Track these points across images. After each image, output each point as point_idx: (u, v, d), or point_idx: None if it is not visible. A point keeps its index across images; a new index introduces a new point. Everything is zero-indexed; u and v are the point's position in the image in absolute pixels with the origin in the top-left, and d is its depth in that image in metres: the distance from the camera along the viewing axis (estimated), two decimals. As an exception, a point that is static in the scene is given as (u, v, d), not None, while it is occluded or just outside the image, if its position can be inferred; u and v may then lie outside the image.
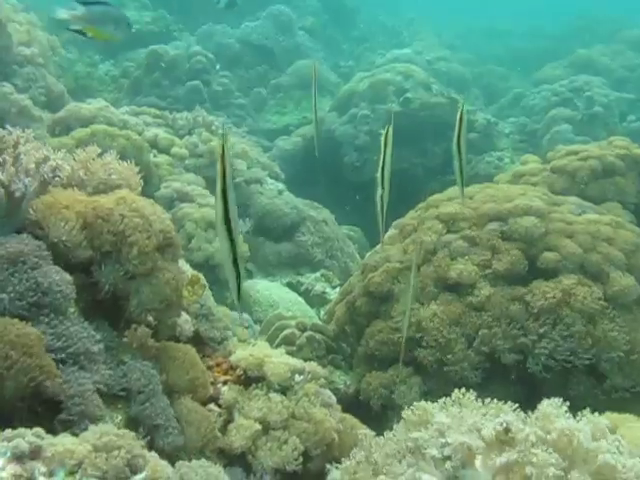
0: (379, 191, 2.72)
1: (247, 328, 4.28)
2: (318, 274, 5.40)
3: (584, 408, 3.19)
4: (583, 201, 3.84)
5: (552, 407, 2.14)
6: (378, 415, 3.31)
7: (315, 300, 5.19)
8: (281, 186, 5.69)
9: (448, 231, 3.54)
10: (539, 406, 2.19)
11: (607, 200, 4.34)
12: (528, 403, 3.23)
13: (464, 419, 2.19)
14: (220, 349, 2.75)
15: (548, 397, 3.21)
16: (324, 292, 5.18)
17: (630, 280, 3.25)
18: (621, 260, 3.31)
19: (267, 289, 4.65)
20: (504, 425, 2.07)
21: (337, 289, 5.35)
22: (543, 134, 8.73)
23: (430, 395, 3.20)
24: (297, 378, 2.51)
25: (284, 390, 2.47)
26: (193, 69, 8.10)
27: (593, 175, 4.38)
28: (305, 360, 3.59)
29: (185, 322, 2.54)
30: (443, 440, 2.11)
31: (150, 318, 2.18)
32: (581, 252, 3.29)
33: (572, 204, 3.69)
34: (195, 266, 4.48)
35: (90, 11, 2.58)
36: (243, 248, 4.64)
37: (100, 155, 2.24)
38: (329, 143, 7.91)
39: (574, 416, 2.27)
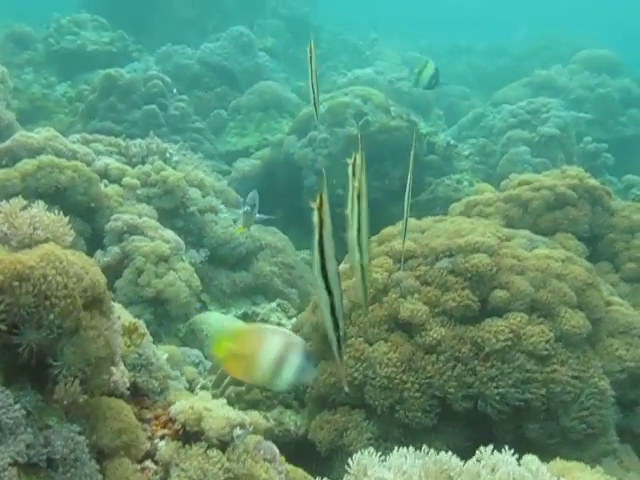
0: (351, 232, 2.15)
1: (197, 365, 4.19)
2: (274, 304, 5.31)
3: (537, 450, 3.17)
4: (534, 235, 3.82)
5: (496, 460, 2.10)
6: (328, 457, 3.24)
7: (271, 332, 5.09)
8: (236, 215, 5.60)
9: (399, 268, 3.49)
10: (484, 462, 2.14)
11: (560, 231, 4.35)
12: (483, 443, 3.20)
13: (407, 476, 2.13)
14: (160, 400, 2.65)
15: (502, 438, 3.20)
16: (279, 323, 5.09)
17: (580, 318, 3.23)
18: (572, 297, 3.29)
19: (219, 322, 4.55)
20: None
21: (294, 319, 5.27)
22: (501, 155, 8.77)
23: (381, 439, 3.14)
24: (237, 432, 2.42)
25: (224, 445, 2.38)
26: (149, 93, 7.98)
27: (546, 206, 4.38)
28: (255, 401, 3.56)
29: (121, 375, 2.44)
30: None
31: (80, 375, 2.08)
32: (532, 290, 3.26)
33: (523, 238, 3.67)
34: (145, 302, 4.40)
35: None
36: (195, 280, 4.54)
37: (25, 207, 2.14)
38: (288, 166, 7.86)
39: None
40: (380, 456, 2.44)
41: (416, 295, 3.32)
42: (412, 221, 3.96)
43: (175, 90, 8.29)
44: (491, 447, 2.07)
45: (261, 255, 5.60)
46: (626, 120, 11.69)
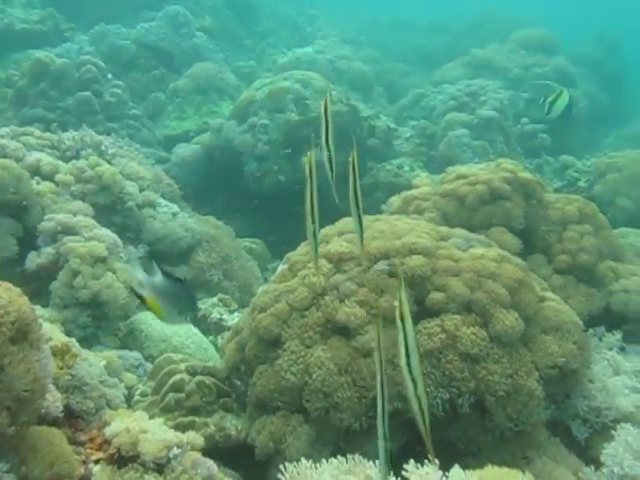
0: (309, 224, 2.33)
1: (137, 368, 4.15)
2: (215, 299, 5.29)
3: (470, 448, 3.26)
4: (469, 233, 3.88)
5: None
6: (267, 462, 3.26)
7: (212, 327, 5.08)
8: (175, 208, 5.52)
9: (337, 271, 3.50)
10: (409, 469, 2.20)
11: (495, 224, 4.43)
12: (417, 445, 3.27)
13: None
14: (95, 420, 2.62)
15: (436, 440, 3.26)
16: (221, 319, 5.08)
17: (513, 318, 3.30)
18: (505, 297, 3.36)
19: (159, 323, 4.50)
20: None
21: (235, 314, 5.26)
22: (441, 138, 8.86)
23: (318, 444, 3.17)
24: (174, 452, 2.42)
25: (161, 468, 2.38)
26: (83, 78, 7.73)
27: (481, 200, 4.45)
28: (194, 407, 3.55)
29: (53, 400, 2.40)
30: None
31: (7, 411, 2.04)
32: (467, 291, 3.32)
33: (459, 237, 3.72)
34: (81, 304, 4.32)
35: (160, 283, 2.42)
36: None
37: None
38: (229, 152, 7.78)
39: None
40: (314, 463, 2.48)
41: (353, 298, 3.34)
42: (351, 220, 3.96)
43: (110, 76, 8.06)
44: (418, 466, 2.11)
45: (201, 249, 5.55)
46: (562, 99, 11.89)
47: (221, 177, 7.84)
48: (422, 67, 14.50)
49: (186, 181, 7.44)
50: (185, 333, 4.51)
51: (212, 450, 3.07)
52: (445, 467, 2.31)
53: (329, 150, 2.43)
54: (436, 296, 3.30)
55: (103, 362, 3.58)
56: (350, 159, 2.45)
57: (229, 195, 7.75)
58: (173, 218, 5.38)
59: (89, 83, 7.73)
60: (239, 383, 3.73)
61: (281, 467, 2.59)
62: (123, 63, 9.27)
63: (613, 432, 3.27)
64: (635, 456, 3.06)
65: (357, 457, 2.56)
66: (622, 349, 4.23)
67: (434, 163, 8.62)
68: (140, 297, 2.42)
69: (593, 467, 3.21)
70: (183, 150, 8.08)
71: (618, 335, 4.20)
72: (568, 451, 3.39)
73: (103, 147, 5.39)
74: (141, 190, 5.38)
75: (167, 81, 9.48)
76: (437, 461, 2.32)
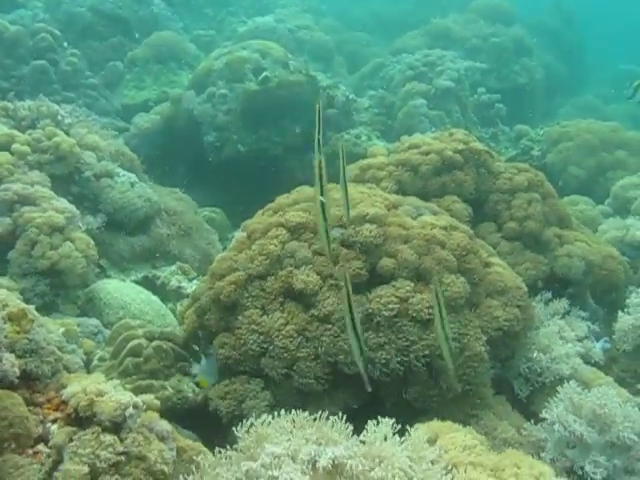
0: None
1: (96, 334, 4.21)
2: (174, 267, 5.36)
3: (421, 407, 3.41)
4: (420, 201, 4.00)
5: (379, 434, 2.28)
6: (228, 425, 3.36)
7: (171, 295, 5.15)
8: (134, 178, 5.54)
9: (293, 239, 3.59)
10: (367, 434, 2.32)
11: (447, 193, 4.57)
12: (374, 405, 3.42)
13: (296, 449, 2.29)
14: (52, 382, 2.69)
15: (389, 399, 3.42)
16: (180, 286, 5.16)
17: (461, 284, 3.45)
18: (453, 263, 3.51)
19: (118, 290, 4.56)
20: (333, 459, 2.19)
21: (194, 281, 5.34)
22: (400, 107, 8.96)
23: (278, 407, 3.28)
24: (130, 412, 2.51)
25: (117, 427, 2.47)
26: (38, 47, 7.63)
27: (434, 170, 4.58)
28: (153, 371, 3.63)
29: (10, 364, 2.47)
30: (270, 473, 2.21)
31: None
32: (416, 258, 3.45)
33: (410, 205, 3.85)
34: (40, 273, 4.35)
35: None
36: (92, 250, 4.51)
37: None
38: (188, 122, 7.77)
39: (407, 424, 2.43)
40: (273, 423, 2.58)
41: (310, 266, 3.44)
42: (305, 189, 4.06)
43: (66, 44, 7.95)
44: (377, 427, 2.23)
45: (160, 218, 5.59)
46: (519, 69, 12.08)
47: (181, 147, 7.84)
48: (383, 36, 14.52)
49: (145, 151, 7.42)
50: (144, 300, 4.58)
51: (170, 412, 3.17)
52: (402, 424, 2.42)
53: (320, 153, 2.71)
54: (387, 262, 3.43)
55: (61, 329, 3.64)
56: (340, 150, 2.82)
57: (189, 165, 7.76)
58: (131, 188, 5.40)
59: (44, 51, 7.62)
60: (197, 348, 3.83)
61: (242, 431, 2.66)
62: (79, 31, 9.13)
63: (554, 390, 3.47)
64: (575, 413, 3.25)
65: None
66: (567, 313, 4.43)
67: (392, 132, 8.73)
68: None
69: (533, 421, 3.41)
70: (142, 120, 8.05)
71: (563, 301, 4.39)
72: (512, 407, 3.58)
73: (60, 117, 5.37)
74: (99, 160, 5.38)
75: (125, 50, 9.38)
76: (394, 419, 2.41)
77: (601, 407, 3.10)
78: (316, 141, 2.62)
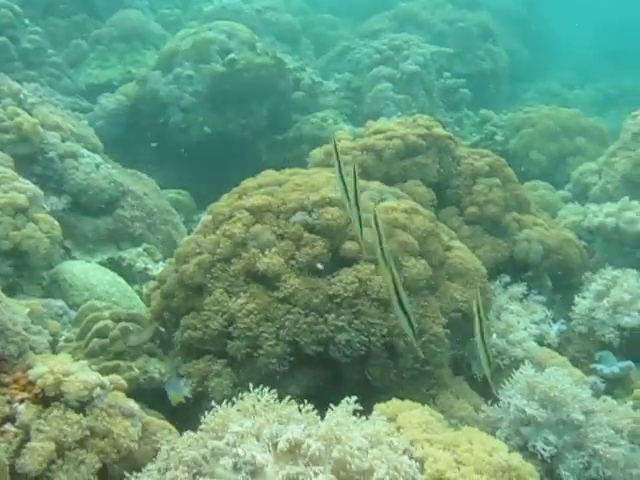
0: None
1: (61, 316, 4.22)
2: (140, 249, 5.37)
3: (381, 386, 3.50)
4: (384, 186, 4.08)
5: (339, 417, 2.35)
6: (193, 404, 3.42)
7: (137, 277, 5.17)
8: (98, 159, 5.52)
9: (257, 223, 3.65)
10: (328, 415, 2.40)
11: (410, 178, 4.64)
12: (335, 385, 3.50)
13: (259, 429, 2.36)
14: (19, 363, 2.72)
15: (350, 379, 3.50)
16: (146, 268, 5.17)
17: (422, 266, 3.54)
18: (414, 247, 3.59)
19: (83, 272, 4.57)
20: (292, 440, 2.26)
21: (160, 263, 5.36)
22: (366, 91, 9.02)
23: (241, 386, 3.35)
24: (97, 392, 2.56)
25: (83, 407, 2.52)
26: (-3, 24, 7.50)
27: (397, 154, 4.65)
28: (119, 352, 3.67)
29: (-23, 345, 2.49)
30: (235, 450, 2.28)
31: None
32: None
33: (373, 190, 3.92)
34: (3, 255, 4.34)
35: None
36: (56, 231, 4.50)
37: None
38: (154, 103, 7.73)
39: (367, 404, 2.51)
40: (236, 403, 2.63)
41: (273, 249, 3.50)
42: (270, 173, 4.11)
43: (27, 21, 7.80)
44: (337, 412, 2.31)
45: (125, 201, 5.58)
46: (484, 54, 12.18)
47: (146, 128, 7.80)
48: (350, 19, 14.49)
49: (110, 132, 7.38)
50: (110, 282, 4.60)
51: (136, 392, 3.21)
52: (362, 403, 2.50)
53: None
54: (350, 246, 3.50)
55: (27, 310, 3.66)
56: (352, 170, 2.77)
57: (155, 147, 7.72)
58: (96, 170, 5.38)
59: (5, 28, 7.47)
60: (163, 330, 3.87)
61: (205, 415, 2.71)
62: (41, 8, 8.96)
63: (510, 371, 3.59)
64: (529, 394, 3.38)
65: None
66: (525, 296, 4.56)
67: (359, 116, 8.78)
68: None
69: (490, 401, 3.53)
70: (107, 100, 7.97)
71: (522, 285, 4.52)
72: (469, 387, 3.69)
73: (22, 96, 5.31)
74: (63, 141, 5.34)
75: (89, 28, 9.24)
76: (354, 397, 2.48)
77: (552, 388, 3.22)
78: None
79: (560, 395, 3.26)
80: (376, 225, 2.56)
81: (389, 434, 2.37)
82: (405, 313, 2.43)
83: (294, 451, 2.23)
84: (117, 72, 8.84)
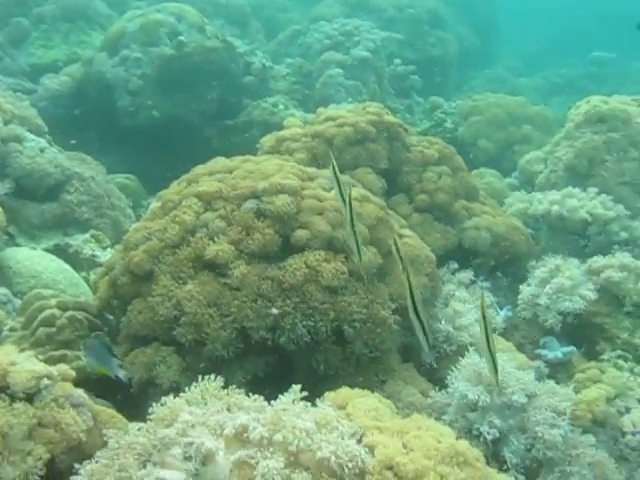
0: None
1: (5, 304, 4.13)
2: (87, 235, 5.27)
3: (331, 373, 3.53)
4: (335, 174, 4.08)
5: (285, 404, 2.37)
6: (140, 393, 3.39)
7: (85, 263, 5.08)
8: (43, 143, 5.38)
9: (207, 210, 3.62)
10: (275, 402, 2.41)
11: (360, 165, 4.67)
12: (285, 373, 3.52)
13: (209, 417, 2.36)
14: (-36, 354, 2.65)
15: (299, 366, 3.52)
16: (93, 255, 5.09)
17: (372, 254, 3.57)
18: (365, 234, 3.62)
19: (28, 259, 4.47)
20: (240, 426, 2.27)
21: (108, 250, 5.27)
22: (317, 77, 8.99)
23: (189, 372, 3.34)
24: (45, 383, 2.51)
25: (30, 397, 2.47)
26: None
27: (348, 142, 4.67)
28: (66, 341, 3.61)
29: None
30: (186, 440, 2.27)
31: None
32: (329, 229, 3.54)
33: (324, 178, 3.92)
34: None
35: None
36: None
37: None
38: (100, 85, 7.56)
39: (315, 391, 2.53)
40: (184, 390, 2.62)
41: (223, 236, 3.48)
42: (221, 160, 4.08)
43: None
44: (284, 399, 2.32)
45: (71, 185, 5.46)
46: (434, 40, 12.27)
47: (93, 111, 7.63)
48: (301, 2, 14.41)
49: (55, 114, 7.20)
50: (56, 269, 4.51)
51: (85, 382, 3.16)
52: (309, 390, 2.51)
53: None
54: (300, 233, 3.51)
55: (-31, 299, 3.57)
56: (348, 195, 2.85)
57: (102, 130, 7.57)
58: (41, 153, 5.25)
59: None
60: (111, 318, 3.82)
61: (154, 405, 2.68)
62: (-21, -17, 8.67)
63: (457, 357, 3.67)
64: (475, 379, 3.46)
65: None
66: (472, 282, 4.65)
67: (310, 102, 8.77)
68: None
69: (438, 387, 3.60)
70: (51, 81, 7.76)
71: (469, 272, 4.61)
72: (418, 374, 3.75)
73: (-38, 78, 5.14)
74: (5, 124, 5.19)
75: (30, 5, 8.92)
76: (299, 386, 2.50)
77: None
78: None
79: (504, 379, 3.35)
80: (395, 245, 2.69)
81: (338, 420, 2.40)
82: (420, 322, 2.50)
83: (243, 437, 2.24)
84: (62, 52, 8.60)
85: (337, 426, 2.30)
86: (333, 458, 2.11)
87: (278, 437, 2.15)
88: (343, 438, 2.23)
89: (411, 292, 2.49)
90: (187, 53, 7.32)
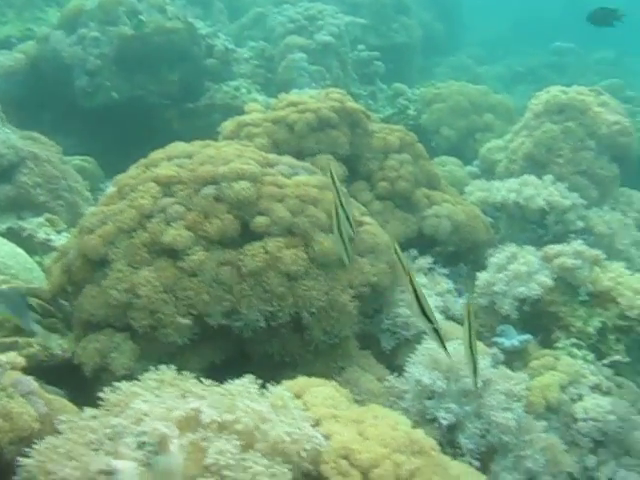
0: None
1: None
2: (42, 219, 5.14)
3: (289, 361, 3.52)
4: (296, 161, 4.05)
5: (240, 386, 2.35)
6: (93, 379, 3.34)
7: (39, 248, 4.96)
8: (-4, 124, 5.23)
9: (165, 194, 3.56)
10: (229, 385, 2.39)
11: (322, 152, 4.64)
12: (242, 360, 3.49)
13: (162, 404, 2.33)
14: None
15: (256, 353, 3.50)
16: (48, 239, 4.97)
17: (331, 241, 3.55)
18: (325, 222, 3.60)
19: (-21, 243, 4.34)
20: (193, 410, 2.24)
21: (63, 234, 5.16)
22: (280, 61, 8.90)
23: (144, 359, 3.29)
24: (-7, 372, 2.45)
25: (-22, 389, 2.41)
26: None
27: (309, 128, 4.63)
28: (18, 328, 3.52)
29: None
30: (139, 428, 2.24)
31: None
32: (290, 216, 3.51)
33: (285, 165, 3.89)
34: None
35: None
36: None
37: None
38: (57, 65, 7.36)
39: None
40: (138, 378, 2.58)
41: (181, 222, 3.43)
42: (180, 145, 4.01)
43: None
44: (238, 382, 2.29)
45: (25, 167, 5.32)
46: (398, 27, 12.24)
47: (49, 91, 7.42)
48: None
49: (8, 93, 6.99)
50: (8, 253, 4.38)
51: (37, 369, 3.11)
52: (266, 378, 2.50)
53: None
54: (260, 220, 3.47)
55: None
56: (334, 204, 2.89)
57: (58, 110, 7.38)
58: (-7, 134, 5.10)
59: None
60: (66, 304, 3.75)
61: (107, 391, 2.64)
62: None
63: (415, 344, 3.70)
64: (432, 367, 3.48)
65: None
66: (431, 269, 4.68)
67: (272, 86, 8.68)
68: None
69: (397, 374, 3.62)
70: (4, 58, 7.51)
71: (428, 258, 4.63)
72: (376, 361, 3.76)
73: None
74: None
75: (-19, -22, 8.68)
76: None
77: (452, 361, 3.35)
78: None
79: (460, 366, 3.38)
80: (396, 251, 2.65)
81: (295, 405, 2.39)
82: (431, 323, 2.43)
83: (195, 422, 2.22)
84: (16, 29, 8.34)
85: (293, 409, 2.29)
86: (288, 439, 2.09)
87: (229, 418, 2.12)
88: (299, 421, 2.22)
89: (418, 297, 2.41)
90: (147, 34, 7.18)
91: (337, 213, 2.88)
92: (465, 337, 2.44)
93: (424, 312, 2.40)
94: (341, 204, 2.93)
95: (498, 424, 3.35)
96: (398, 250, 2.69)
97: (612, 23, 7.23)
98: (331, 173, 3.02)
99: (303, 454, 2.10)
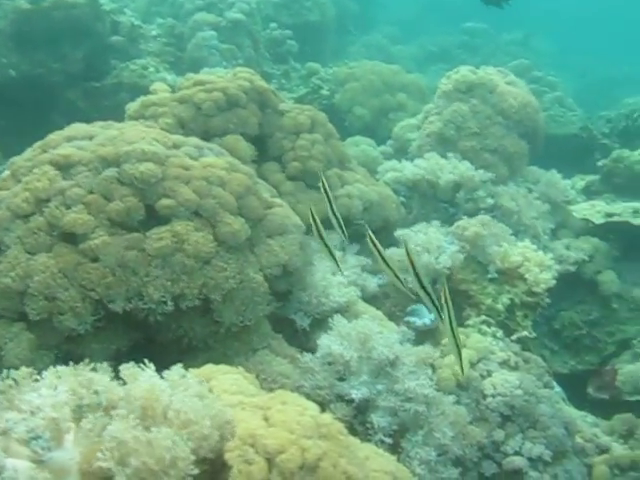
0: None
1: None
2: None
3: (199, 345, 3.45)
4: (202, 142, 3.95)
5: (143, 376, 2.26)
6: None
7: None
8: None
9: (63, 177, 3.40)
10: (122, 368, 2.29)
11: (230, 132, 4.54)
12: (150, 346, 3.40)
13: (59, 396, 2.22)
14: None
15: (165, 338, 3.41)
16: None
17: (240, 223, 3.49)
18: (233, 204, 3.52)
19: None
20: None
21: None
22: (189, 39, 8.68)
23: (41, 349, 3.16)
24: None
25: None
26: None
27: (217, 107, 4.52)
28: None
29: None
30: (32, 423, 2.13)
31: None
32: (196, 198, 3.42)
33: (191, 146, 3.78)
34: None
35: None
36: None
37: None
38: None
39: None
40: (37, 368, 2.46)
41: (80, 206, 3.28)
42: (80, 126, 3.84)
43: None
44: (132, 364, 2.19)
45: None
46: (310, 5, 12.12)
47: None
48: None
49: None
50: None
51: None
52: (174, 363, 2.42)
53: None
54: (166, 202, 3.37)
55: None
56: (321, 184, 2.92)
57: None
58: None
59: None
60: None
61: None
62: None
63: (326, 323, 3.69)
64: (342, 345, 3.49)
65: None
66: (342, 249, 4.68)
67: (182, 65, 8.46)
68: None
69: (312, 353, 3.61)
70: None
71: (337, 237, 4.62)
72: (288, 344, 3.74)
73: None
74: None
75: None
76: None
77: (363, 334, 3.37)
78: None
79: (371, 344, 3.41)
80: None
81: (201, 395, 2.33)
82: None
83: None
84: None
85: (192, 384, 2.22)
86: (192, 416, 2.02)
87: (123, 395, 2.04)
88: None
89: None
90: (46, 8, 6.82)
91: (316, 220, 2.84)
92: (446, 323, 2.40)
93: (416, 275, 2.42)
94: (333, 212, 2.95)
95: (408, 396, 3.40)
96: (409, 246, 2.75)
97: (501, 4, 7.38)
98: (322, 182, 2.98)
99: (208, 442, 2.04)
